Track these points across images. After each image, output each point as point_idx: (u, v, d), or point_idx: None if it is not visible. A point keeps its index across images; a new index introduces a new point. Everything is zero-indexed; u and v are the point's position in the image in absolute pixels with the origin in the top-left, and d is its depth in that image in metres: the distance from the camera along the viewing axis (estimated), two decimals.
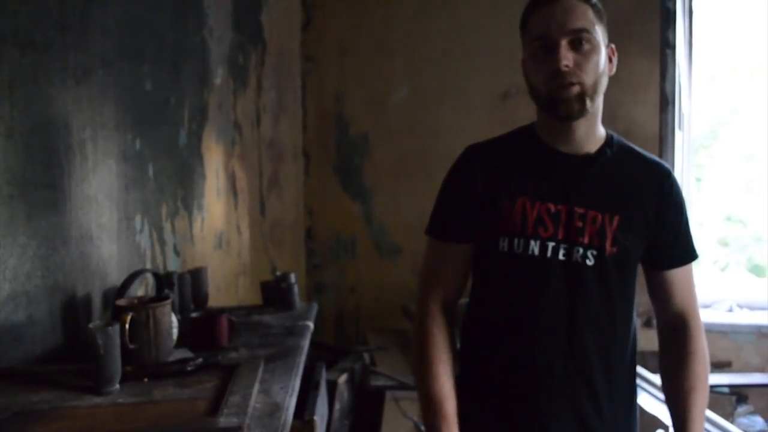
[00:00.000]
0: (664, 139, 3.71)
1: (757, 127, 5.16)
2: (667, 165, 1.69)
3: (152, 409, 1.37)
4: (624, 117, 3.79)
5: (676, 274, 1.67)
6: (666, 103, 3.71)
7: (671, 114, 3.71)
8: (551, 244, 1.57)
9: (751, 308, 3.89)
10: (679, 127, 3.78)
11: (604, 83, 1.57)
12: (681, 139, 3.83)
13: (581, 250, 1.57)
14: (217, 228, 2.97)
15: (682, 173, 3.88)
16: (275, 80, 3.76)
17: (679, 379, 1.67)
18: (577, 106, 1.53)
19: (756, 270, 5.52)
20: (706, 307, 3.88)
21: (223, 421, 1.28)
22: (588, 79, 1.52)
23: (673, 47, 3.68)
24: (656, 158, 1.70)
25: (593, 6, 1.55)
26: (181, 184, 2.60)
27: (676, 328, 1.69)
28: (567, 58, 1.50)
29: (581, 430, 1.62)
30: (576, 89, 1.52)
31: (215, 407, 1.35)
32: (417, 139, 4.07)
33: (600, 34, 1.55)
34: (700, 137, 5.75)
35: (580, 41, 1.51)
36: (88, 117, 1.96)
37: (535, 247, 1.57)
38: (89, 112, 1.96)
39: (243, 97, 3.28)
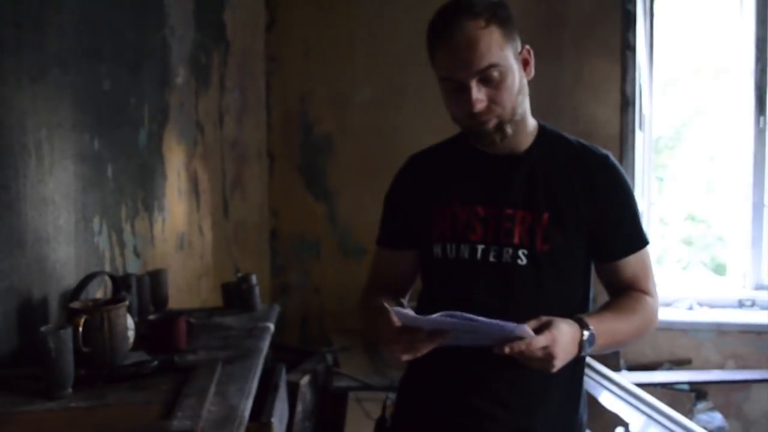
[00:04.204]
0: (624, 139, 3.75)
1: (720, 128, 5.23)
2: (602, 151, 1.67)
3: (105, 413, 1.36)
4: (585, 117, 3.83)
5: (626, 264, 1.65)
6: (627, 104, 3.75)
7: (632, 115, 3.75)
8: (481, 247, 1.60)
9: (711, 306, 3.95)
10: (640, 128, 3.82)
11: (522, 97, 1.57)
12: (642, 140, 3.87)
13: (511, 251, 1.59)
14: (179, 229, 2.94)
15: (644, 173, 3.93)
16: (238, 80, 3.74)
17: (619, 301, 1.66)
18: (498, 136, 1.56)
19: (719, 269, 5.60)
20: (667, 305, 3.93)
21: (177, 424, 1.27)
22: (505, 109, 1.53)
23: (634, 49, 3.72)
24: (590, 146, 1.68)
25: (497, 21, 1.50)
26: (141, 185, 2.57)
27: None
28: (480, 100, 1.50)
29: (516, 430, 1.63)
30: (494, 122, 1.54)
31: (169, 410, 1.34)
32: (381, 139, 4.07)
33: (510, 51, 1.52)
34: (665, 138, 5.82)
35: (490, 76, 1.49)
36: (43, 117, 1.93)
37: (465, 250, 1.61)
38: (45, 112, 1.94)
39: (205, 97, 3.26)
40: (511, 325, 1.35)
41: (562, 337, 1.41)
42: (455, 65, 1.50)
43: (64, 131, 2.04)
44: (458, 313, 1.35)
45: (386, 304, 1.49)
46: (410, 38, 4.01)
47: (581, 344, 1.47)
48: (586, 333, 1.47)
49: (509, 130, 1.56)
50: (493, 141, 1.57)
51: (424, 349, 1.42)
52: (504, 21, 1.51)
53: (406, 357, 1.45)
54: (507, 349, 1.35)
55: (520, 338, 1.37)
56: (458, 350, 1.53)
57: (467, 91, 1.49)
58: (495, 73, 1.49)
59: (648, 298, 1.65)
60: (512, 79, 1.52)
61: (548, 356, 1.39)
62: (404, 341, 1.42)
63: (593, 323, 1.50)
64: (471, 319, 1.34)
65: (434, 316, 1.35)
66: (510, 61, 1.52)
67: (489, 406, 1.62)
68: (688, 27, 5.34)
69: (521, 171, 1.63)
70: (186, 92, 3.03)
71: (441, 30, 1.52)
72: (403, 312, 1.41)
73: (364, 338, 3.76)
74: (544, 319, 1.43)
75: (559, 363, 1.42)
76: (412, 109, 4.01)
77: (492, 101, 1.51)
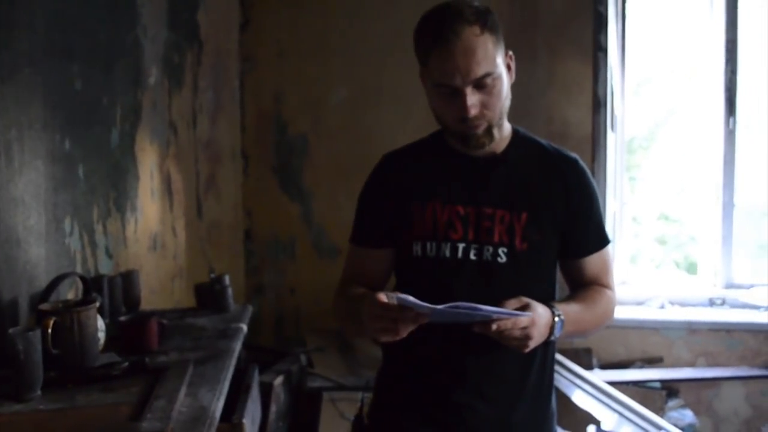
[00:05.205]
0: (597, 140, 3.78)
1: (693, 128, 5.27)
2: (572, 155, 1.74)
3: (74, 415, 1.35)
4: (558, 118, 3.86)
5: (591, 261, 1.74)
6: (599, 105, 3.78)
7: (604, 116, 3.78)
8: (462, 246, 1.64)
9: (683, 305, 3.99)
10: (612, 129, 3.85)
11: (508, 101, 1.63)
12: (614, 140, 3.90)
13: (491, 249, 1.64)
14: (152, 230, 2.93)
15: (615, 174, 3.96)
16: (212, 80, 3.72)
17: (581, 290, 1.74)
18: (487, 139, 1.61)
19: (692, 268, 5.64)
20: (639, 304, 3.97)
21: (146, 425, 1.27)
22: (495, 113, 1.59)
23: (606, 50, 3.75)
24: (561, 150, 1.75)
25: (489, 29, 1.54)
26: (113, 185, 2.55)
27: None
28: (474, 105, 1.54)
29: (496, 422, 1.68)
30: (484, 126, 1.59)
31: (139, 412, 1.34)
32: (356, 139, 4.07)
33: (500, 58, 1.57)
34: (639, 138, 5.87)
35: (484, 83, 1.54)
36: (13, 117, 1.91)
37: (446, 249, 1.64)
38: (15, 113, 1.92)
39: (178, 97, 3.25)
40: (515, 313, 1.44)
41: (539, 320, 1.50)
42: (452, 72, 1.52)
43: (35, 131, 2.02)
44: (463, 303, 1.39)
45: (385, 293, 1.50)
46: (385, 39, 4.04)
47: (552, 328, 1.55)
48: (556, 319, 1.56)
49: (496, 133, 1.62)
50: (483, 144, 1.61)
51: (407, 330, 1.45)
52: (494, 28, 1.55)
53: (386, 338, 1.48)
54: (494, 326, 1.43)
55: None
56: (436, 344, 1.61)
57: (461, 96, 1.53)
58: (489, 80, 1.54)
59: (608, 292, 1.75)
60: (502, 85, 1.58)
61: (526, 336, 1.48)
62: (389, 318, 1.45)
63: (562, 310, 1.58)
64: (475, 308, 1.39)
65: (441, 306, 1.39)
66: (501, 67, 1.57)
67: (469, 398, 1.66)
68: (661, 28, 5.38)
69: (499, 171, 1.68)
70: (159, 92, 3.01)
71: (435, 36, 1.54)
72: (409, 299, 1.41)
73: (339, 339, 3.77)
74: (524, 300, 1.50)
75: (533, 344, 1.50)
76: (387, 109, 4.03)
77: (484, 106, 1.56)
